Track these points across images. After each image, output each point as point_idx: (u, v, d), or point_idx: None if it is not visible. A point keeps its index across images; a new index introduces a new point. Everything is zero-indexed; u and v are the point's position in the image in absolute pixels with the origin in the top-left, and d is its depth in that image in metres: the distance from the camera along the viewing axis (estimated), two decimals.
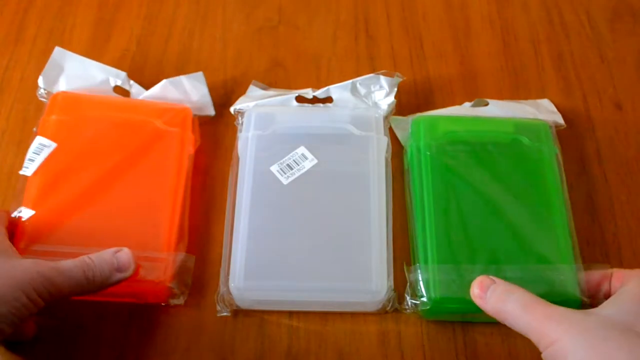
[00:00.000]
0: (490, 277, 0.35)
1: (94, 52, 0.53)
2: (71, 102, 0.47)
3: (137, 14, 0.56)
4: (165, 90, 0.48)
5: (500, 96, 0.50)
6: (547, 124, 0.46)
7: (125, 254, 0.38)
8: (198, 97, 0.48)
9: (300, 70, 0.53)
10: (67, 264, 0.36)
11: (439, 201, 0.42)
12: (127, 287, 0.39)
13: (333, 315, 0.42)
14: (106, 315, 0.42)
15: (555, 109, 0.49)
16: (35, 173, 0.43)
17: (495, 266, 0.40)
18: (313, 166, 0.44)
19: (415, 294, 0.40)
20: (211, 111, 0.49)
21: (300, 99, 0.48)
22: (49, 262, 0.35)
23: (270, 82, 0.51)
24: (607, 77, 0.52)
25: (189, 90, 0.48)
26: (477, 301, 0.35)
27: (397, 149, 0.48)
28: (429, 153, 0.44)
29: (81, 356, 0.41)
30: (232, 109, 0.48)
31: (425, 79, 0.52)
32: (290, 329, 0.42)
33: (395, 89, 0.47)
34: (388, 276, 0.41)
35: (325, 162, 0.45)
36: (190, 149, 0.46)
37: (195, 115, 0.48)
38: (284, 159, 0.45)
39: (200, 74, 0.49)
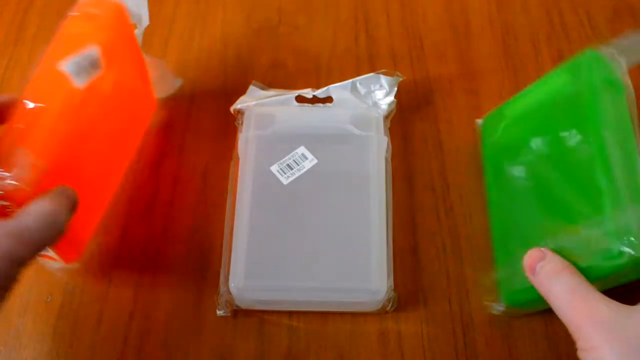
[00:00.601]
0: (542, 249, 0.34)
1: None
2: None
3: None
4: None
5: (500, 96, 0.50)
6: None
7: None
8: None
9: (300, 70, 0.53)
10: (28, 221, 0.31)
11: (497, 199, 0.43)
12: None
13: (333, 315, 0.42)
14: (106, 316, 0.42)
15: None
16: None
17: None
18: (313, 166, 0.44)
19: (496, 298, 0.41)
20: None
21: (300, 99, 0.48)
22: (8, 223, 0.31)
23: (271, 82, 0.51)
24: None
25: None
26: (529, 276, 0.34)
27: (397, 149, 0.48)
28: (486, 153, 0.45)
29: (80, 357, 0.41)
30: (231, 109, 0.48)
31: (425, 79, 0.52)
32: (290, 329, 0.42)
33: (395, 89, 0.47)
34: (388, 276, 0.41)
35: (325, 162, 0.45)
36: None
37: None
38: (284, 159, 0.45)
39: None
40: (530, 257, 0.34)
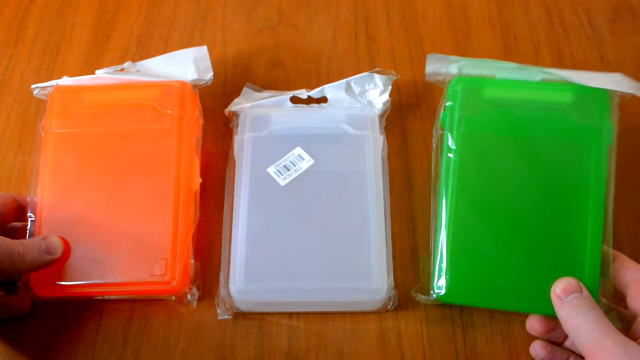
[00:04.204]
0: (579, 282, 0.37)
1: (94, 52, 0.54)
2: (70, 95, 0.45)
3: (137, 14, 0.56)
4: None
5: None
6: (608, 93, 0.41)
7: (54, 238, 0.40)
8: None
9: (300, 70, 0.53)
10: None
11: (464, 183, 0.40)
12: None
13: (333, 315, 0.42)
14: (106, 316, 0.42)
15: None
16: (47, 169, 0.43)
17: (512, 260, 0.39)
18: (310, 166, 0.44)
19: (428, 281, 0.40)
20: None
21: (295, 100, 0.48)
22: None
23: (270, 82, 0.51)
24: None
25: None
26: (554, 300, 0.37)
27: (397, 149, 0.48)
28: (463, 126, 0.42)
29: (80, 357, 0.41)
30: (226, 111, 0.48)
31: (425, 78, 0.52)
32: (290, 329, 0.42)
33: (390, 87, 0.47)
34: (388, 274, 0.41)
35: (321, 162, 0.45)
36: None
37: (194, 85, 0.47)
38: (280, 160, 0.45)
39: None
40: (566, 282, 0.37)
